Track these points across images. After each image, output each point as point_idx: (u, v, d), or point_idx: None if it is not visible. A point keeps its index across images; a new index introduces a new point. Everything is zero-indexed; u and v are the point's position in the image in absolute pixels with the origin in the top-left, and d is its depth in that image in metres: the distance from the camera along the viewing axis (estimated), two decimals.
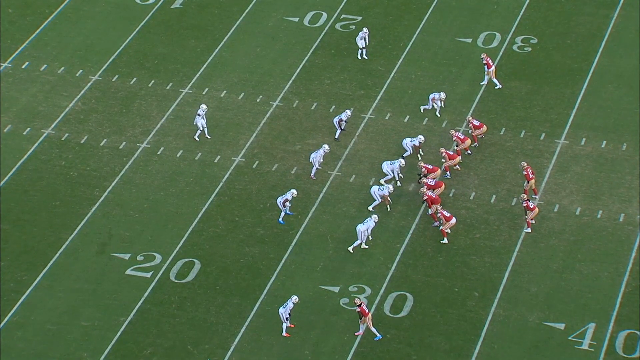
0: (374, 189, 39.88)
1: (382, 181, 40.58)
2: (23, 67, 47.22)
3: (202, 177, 41.97)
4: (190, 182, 41.80)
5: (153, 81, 46.42)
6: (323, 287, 37.76)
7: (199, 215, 40.40)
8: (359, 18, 49.31)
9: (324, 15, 49.60)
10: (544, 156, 42.51)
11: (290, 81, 46.22)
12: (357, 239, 38.65)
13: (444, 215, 38.67)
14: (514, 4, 49.88)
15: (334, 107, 44.83)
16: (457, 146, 41.50)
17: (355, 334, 36.00)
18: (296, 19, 49.33)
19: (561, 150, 42.86)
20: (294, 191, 39.38)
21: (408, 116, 44.40)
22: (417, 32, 48.51)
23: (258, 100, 45.42)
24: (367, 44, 46.51)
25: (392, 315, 36.79)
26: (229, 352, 35.77)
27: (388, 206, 39.84)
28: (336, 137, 43.00)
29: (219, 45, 48.10)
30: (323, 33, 48.60)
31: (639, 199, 40.67)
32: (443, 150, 40.96)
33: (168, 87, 46.12)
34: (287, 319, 35.65)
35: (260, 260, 38.67)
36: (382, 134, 43.63)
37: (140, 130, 44.13)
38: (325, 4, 50.15)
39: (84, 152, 43.16)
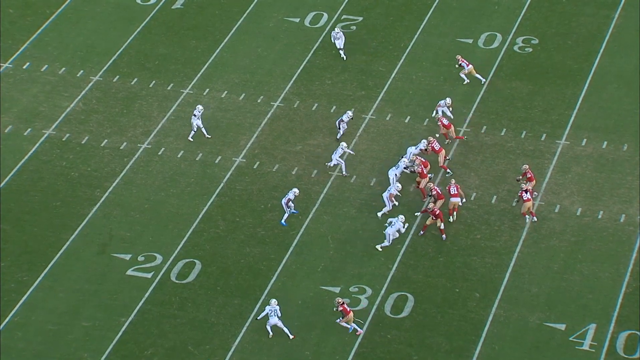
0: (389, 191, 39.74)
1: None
2: (24, 67, 47.23)
3: (203, 178, 41.96)
4: (191, 182, 41.79)
5: (154, 82, 46.43)
6: (324, 287, 37.75)
7: (200, 216, 40.40)
8: (360, 18, 49.31)
9: (325, 15, 49.61)
10: (544, 157, 42.49)
11: (291, 82, 46.22)
12: (386, 241, 38.62)
13: (438, 192, 38.93)
14: (515, 5, 49.88)
15: (334, 107, 44.82)
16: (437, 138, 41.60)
17: (357, 333, 36.00)
18: (297, 20, 49.34)
19: (562, 151, 42.85)
20: (295, 190, 39.42)
21: (409, 117, 44.40)
22: (418, 33, 48.51)
23: (259, 101, 45.41)
24: (344, 44, 46.32)
25: (392, 316, 36.78)
26: (230, 353, 35.77)
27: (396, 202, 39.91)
28: (337, 137, 42.97)
29: (219, 46, 48.10)
30: (324, 34, 48.60)
31: (639, 199, 40.64)
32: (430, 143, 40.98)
33: (169, 88, 46.13)
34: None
35: (261, 260, 38.66)
36: (382, 134, 43.62)
37: (141, 130, 44.13)
38: (326, 4, 50.16)
39: (85, 152, 43.16)
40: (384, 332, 36.27)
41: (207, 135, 43.08)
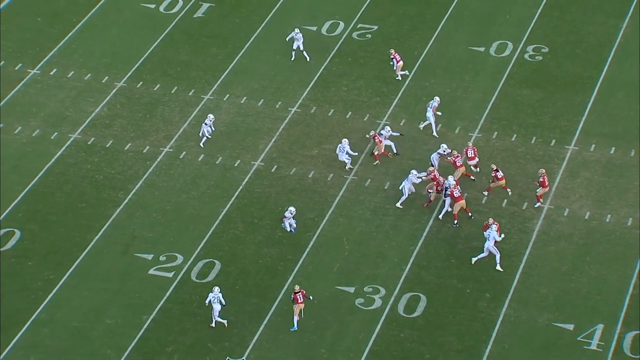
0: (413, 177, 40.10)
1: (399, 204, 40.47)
2: (51, 73, 47.45)
3: (222, 181, 42.06)
4: (211, 185, 41.89)
5: (176, 87, 46.57)
6: (339, 287, 37.77)
7: (220, 218, 40.49)
8: (375, 27, 49.35)
9: (341, 24, 49.65)
10: (554, 162, 42.43)
11: (308, 88, 46.28)
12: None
13: (454, 196, 38.86)
14: (526, 14, 49.82)
15: (350, 113, 44.86)
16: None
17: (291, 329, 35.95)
18: (314, 28, 49.40)
19: (571, 156, 42.77)
20: (292, 209, 38.97)
21: (422, 122, 44.37)
22: (431, 41, 48.51)
23: (277, 107, 45.48)
24: (302, 44, 46.68)
25: (406, 316, 36.77)
26: (248, 350, 35.82)
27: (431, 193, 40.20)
28: (395, 151, 42.42)
29: (239, 53, 48.21)
30: (340, 42, 48.64)
31: None
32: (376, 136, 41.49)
33: (190, 94, 46.25)
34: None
35: (278, 261, 38.71)
36: (397, 139, 43.59)
37: (163, 135, 44.27)
38: (343, 13, 50.21)
39: (109, 155, 43.32)
40: (397, 331, 36.26)
41: (201, 145, 42.90)
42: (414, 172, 40.05)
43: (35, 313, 37.13)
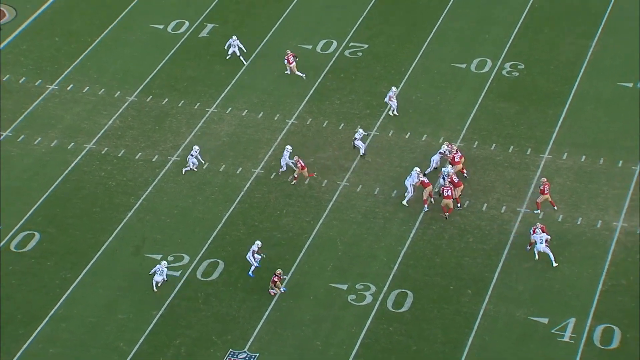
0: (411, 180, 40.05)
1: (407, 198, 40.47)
2: (68, 89, 47.42)
3: (225, 187, 42.04)
4: (215, 191, 41.88)
5: (182, 101, 46.56)
6: (333, 285, 37.76)
7: (223, 221, 40.46)
8: (366, 46, 49.38)
9: (334, 43, 49.69)
10: (530, 169, 42.47)
11: (304, 101, 46.29)
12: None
13: (454, 181, 39.20)
14: (504, 34, 49.90)
15: (343, 124, 44.89)
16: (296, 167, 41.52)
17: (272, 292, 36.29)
18: (309, 47, 49.42)
19: (545, 164, 42.81)
20: (258, 242, 37.94)
21: (409, 133, 44.42)
22: (417, 58, 48.55)
23: (275, 119, 45.49)
24: (239, 50, 47.17)
25: (394, 311, 36.76)
26: (249, 343, 35.79)
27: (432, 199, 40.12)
28: (362, 153, 42.52)
29: (241, 70, 48.21)
30: (333, 59, 48.67)
31: (614, 207, 40.61)
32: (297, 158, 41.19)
33: (196, 107, 46.23)
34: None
35: (276, 260, 38.68)
36: (385, 148, 43.67)
37: (171, 145, 44.25)
38: (336, 33, 50.24)
39: (121, 164, 43.28)
40: (386, 325, 36.25)
41: (183, 172, 41.67)
42: (417, 169, 40.02)
43: (54, 309, 37.10)
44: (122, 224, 40.32)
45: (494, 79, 47.28)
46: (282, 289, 36.48)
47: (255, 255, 37.71)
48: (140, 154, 43.79)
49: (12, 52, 49.50)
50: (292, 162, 41.24)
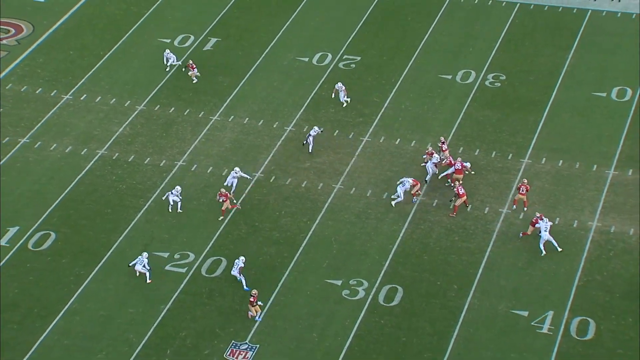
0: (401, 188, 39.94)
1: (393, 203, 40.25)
2: (81, 98, 47.28)
3: (228, 190, 41.85)
4: (217, 193, 41.69)
5: (188, 110, 46.43)
6: (328, 281, 37.63)
7: (226, 221, 40.31)
8: (359, 58, 49.30)
9: (329, 55, 49.61)
10: (511, 173, 42.37)
11: (301, 110, 46.18)
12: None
13: (459, 192, 39.23)
14: (487, 47, 49.84)
15: (337, 131, 44.78)
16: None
17: (256, 319, 35.46)
18: (306, 59, 49.34)
19: (525, 168, 42.73)
20: (242, 258, 36.92)
21: (399, 139, 44.32)
22: (406, 70, 48.48)
23: (274, 126, 45.37)
24: (173, 61, 47.63)
25: (385, 304, 36.64)
26: (250, 334, 35.65)
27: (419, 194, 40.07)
28: (309, 151, 42.68)
29: (242, 81, 48.11)
30: (328, 70, 48.58)
31: (589, 208, 40.52)
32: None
33: (200, 115, 46.11)
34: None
35: (276, 258, 38.56)
36: (377, 154, 43.56)
37: (177, 150, 44.11)
38: (330, 46, 50.16)
39: (131, 168, 43.14)
40: (378, 318, 36.12)
41: (179, 210, 39.64)
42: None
43: (68, 303, 36.95)
44: (131, 224, 40.16)
45: (478, 89, 47.22)
46: (257, 319, 35.43)
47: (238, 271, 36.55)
48: (148, 159, 43.65)
49: (29, 65, 49.35)
50: (232, 180, 40.09)
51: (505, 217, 40.20)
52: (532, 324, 35.82)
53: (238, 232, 39.81)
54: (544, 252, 37.89)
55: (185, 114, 46.28)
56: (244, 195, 41.48)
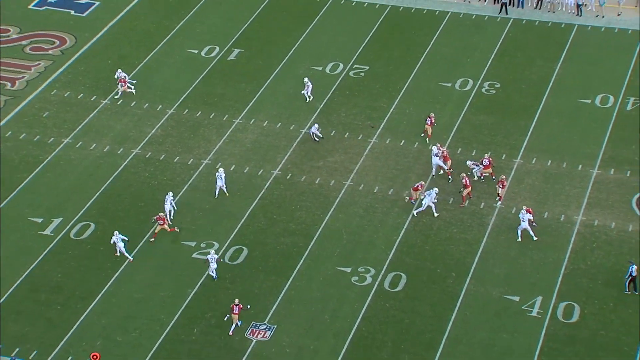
0: (429, 198, 39.52)
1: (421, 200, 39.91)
2: (118, 103, 47.55)
3: (249, 186, 42.09)
4: (240, 189, 41.93)
5: (213, 114, 46.62)
6: (339, 268, 37.79)
7: (247, 214, 40.51)
8: (367, 67, 49.37)
9: (341, 65, 49.69)
10: (504, 171, 42.39)
11: (316, 114, 46.31)
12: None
13: (466, 183, 39.23)
14: (483, 58, 49.82)
15: (347, 133, 44.88)
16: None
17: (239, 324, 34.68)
18: (320, 68, 49.45)
19: (517, 167, 42.76)
20: (212, 252, 36.44)
21: (403, 141, 44.40)
22: (410, 78, 48.50)
23: (291, 128, 45.53)
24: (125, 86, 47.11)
25: (390, 290, 36.79)
26: (268, 316, 35.87)
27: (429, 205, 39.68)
28: (317, 140, 43.04)
29: (262, 87, 48.26)
30: (340, 79, 48.67)
31: (575, 203, 40.54)
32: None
33: (224, 118, 46.31)
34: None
35: (292, 247, 38.75)
36: (383, 154, 43.67)
37: (203, 150, 44.33)
38: (342, 56, 50.23)
39: (162, 166, 43.38)
40: (383, 302, 36.26)
41: (169, 223, 38.39)
42: (435, 189, 39.56)
43: (106, 287, 37.24)
44: None
45: (475, 95, 47.22)
46: (238, 322, 34.71)
47: (214, 263, 35.86)
48: (178, 157, 43.88)
49: (72, 73, 49.67)
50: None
51: (499, 211, 40.27)
52: (523, 308, 35.91)
53: (258, 224, 40.02)
54: (519, 237, 38.00)
55: (210, 117, 46.48)
56: (263, 190, 41.70)
